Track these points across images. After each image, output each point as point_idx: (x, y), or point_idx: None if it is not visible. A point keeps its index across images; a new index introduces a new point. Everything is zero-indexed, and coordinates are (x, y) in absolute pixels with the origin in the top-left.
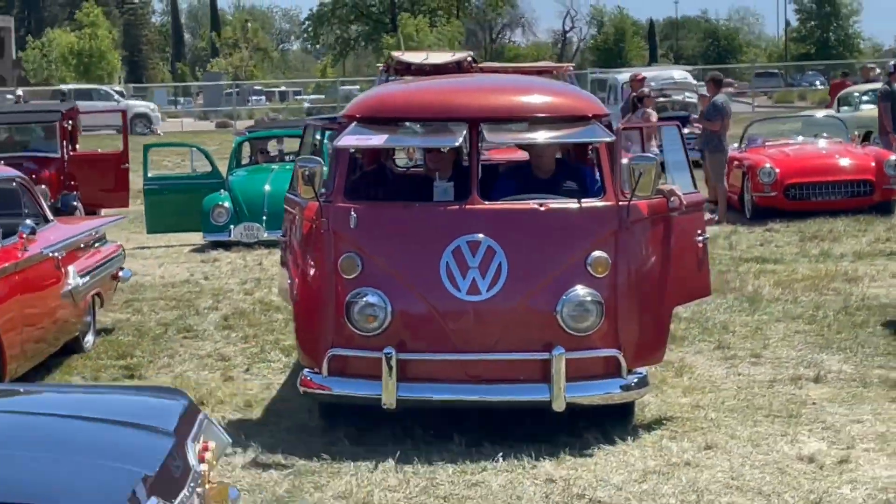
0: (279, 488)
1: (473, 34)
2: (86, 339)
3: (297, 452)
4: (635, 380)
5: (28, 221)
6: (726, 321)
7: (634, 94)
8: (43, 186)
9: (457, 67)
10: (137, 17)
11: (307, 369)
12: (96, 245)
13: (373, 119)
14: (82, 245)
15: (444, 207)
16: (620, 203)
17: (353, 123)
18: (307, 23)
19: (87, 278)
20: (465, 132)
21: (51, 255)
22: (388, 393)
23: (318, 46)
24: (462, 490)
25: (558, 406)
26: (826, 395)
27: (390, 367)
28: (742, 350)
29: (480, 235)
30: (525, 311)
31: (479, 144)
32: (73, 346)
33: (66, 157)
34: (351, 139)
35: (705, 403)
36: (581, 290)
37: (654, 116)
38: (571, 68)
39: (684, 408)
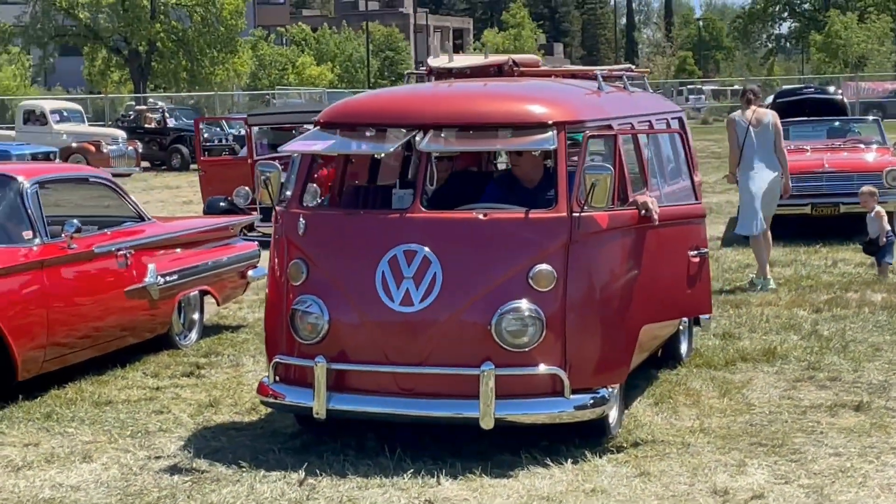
0: (155, 495)
1: None
2: (188, 336)
3: (225, 459)
4: (590, 399)
5: (74, 220)
6: (856, 339)
7: None
8: (314, 186)
9: (498, 71)
10: (597, 17)
11: (265, 376)
12: (217, 244)
13: (331, 125)
14: (180, 243)
15: (384, 216)
16: (573, 215)
17: (314, 129)
18: (738, 20)
19: (176, 276)
20: (406, 139)
21: (115, 252)
22: (319, 403)
23: (749, 44)
24: None
25: (486, 424)
26: (846, 426)
27: (321, 377)
28: (828, 372)
29: (419, 246)
30: (458, 324)
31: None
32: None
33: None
34: (296, 145)
35: (707, 428)
36: (518, 305)
37: None
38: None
39: (680, 431)
